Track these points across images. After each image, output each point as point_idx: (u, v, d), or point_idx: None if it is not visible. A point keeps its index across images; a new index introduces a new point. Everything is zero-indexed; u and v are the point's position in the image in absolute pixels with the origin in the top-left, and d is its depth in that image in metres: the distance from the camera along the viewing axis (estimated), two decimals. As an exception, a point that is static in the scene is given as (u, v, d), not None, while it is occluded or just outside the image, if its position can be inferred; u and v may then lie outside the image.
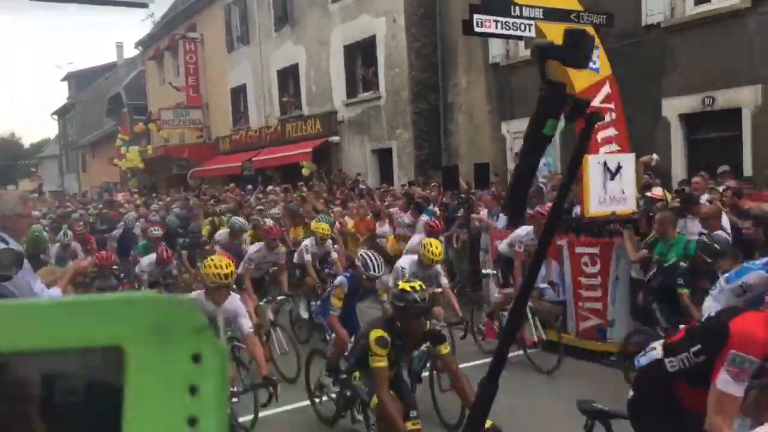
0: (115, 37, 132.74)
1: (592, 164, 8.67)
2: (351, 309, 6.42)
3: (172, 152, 29.66)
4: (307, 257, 9.27)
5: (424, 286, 4.68)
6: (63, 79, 50.44)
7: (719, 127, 11.63)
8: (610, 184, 8.77)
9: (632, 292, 7.98)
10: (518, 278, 8.05)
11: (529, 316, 7.70)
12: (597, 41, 8.91)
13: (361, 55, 20.24)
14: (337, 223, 13.06)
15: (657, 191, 9.00)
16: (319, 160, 20.84)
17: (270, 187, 19.74)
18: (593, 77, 8.94)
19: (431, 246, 6.90)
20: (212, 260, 5.76)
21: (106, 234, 14.29)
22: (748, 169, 10.77)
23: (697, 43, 11.64)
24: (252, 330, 5.60)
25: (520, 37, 9.03)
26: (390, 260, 12.27)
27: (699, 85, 11.59)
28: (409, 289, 4.52)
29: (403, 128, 18.32)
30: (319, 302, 7.43)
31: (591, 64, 8.90)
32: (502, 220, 10.61)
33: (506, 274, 8.54)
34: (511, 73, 15.42)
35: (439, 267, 7.21)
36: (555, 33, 8.67)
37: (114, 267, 9.09)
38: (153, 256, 9.24)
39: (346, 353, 5.62)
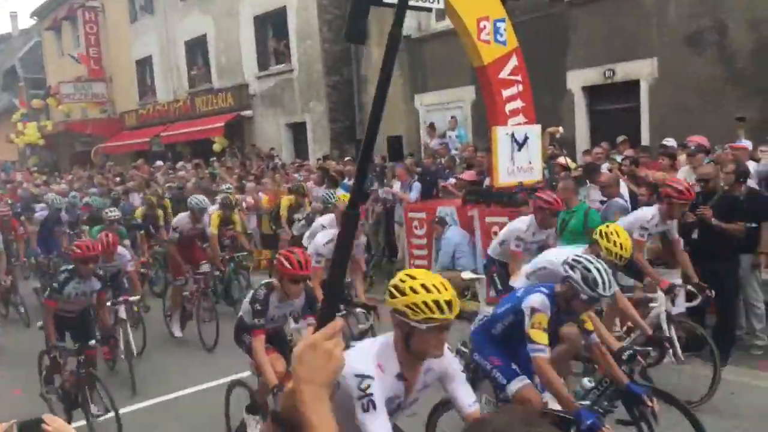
0: (8, 7, 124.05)
1: (501, 135, 8.87)
2: None
3: (73, 128, 28.18)
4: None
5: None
6: (-50, 51, 46.79)
7: (619, 98, 12.13)
8: (518, 155, 9.01)
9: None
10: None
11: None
12: (504, 14, 9.06)
13: (272, 26, 19.78)
14: (250, 199, 12.87)
15: (561, 161, 9.32)
16: (232, 134, 20.37)
17: (180, 164, 19.14)
18: (501, 50, 9.10)
19: None
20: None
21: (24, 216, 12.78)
22: (645, 139, 11.31)
23: (599, 17, 12.04)
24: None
25: (428, 9, 9.05)
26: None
27: (600, 58, 12.03)
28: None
29: (317, 101, 18.13)
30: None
31: (498, 37, 9.06)
32: (415, 192, 10.72)
33: (503, 280, 6.45)
34: (423, 45, 15.49)
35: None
36: (463, 4, 8.75)
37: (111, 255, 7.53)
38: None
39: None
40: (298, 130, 19.21)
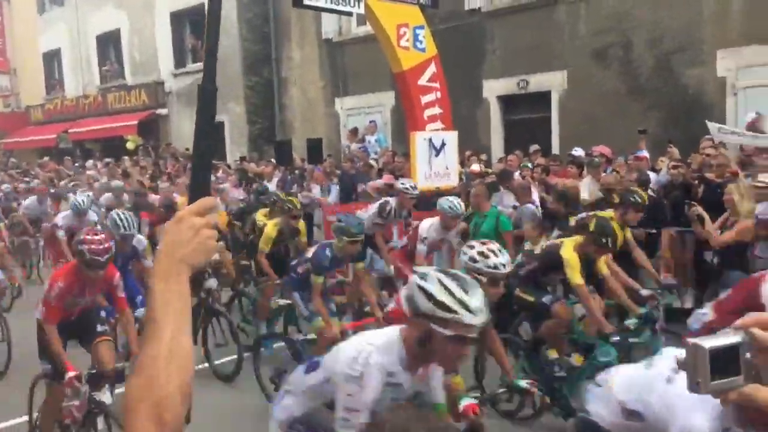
0: None
1: (419, 141, 9.03)
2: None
3: (-27, 122, 26.53)
4: None
5: None
6: None
7: (532, 108, 12.59)
8: (435, 160, 9.20)
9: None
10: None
11: None
12: (423, 21, 9.24)
13: (189, 23, 19.31)
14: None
15: (475, 167, 9.57)
16: (146, 133, 19.74)
17: (90, 162, 18.38)
18: (420, 56, 9.27)
19: None
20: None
21: None
22: (556, 148, 11.78)
23: (513, 29, 12.47)
24: None
25: (349, 13, 9.11)
26: (222, 236, 12.00)
27: (515, 69, 12.45)
28: None
29: (235, 102, 17.83)
30: None
31: (417, 44, 9.23)
32: (333, 195, 10.74)
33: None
34: (343, 49, 15.55)
35: None
36: (383, 10, 8.87)
37: None
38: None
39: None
40: (215, 130, 18.81)
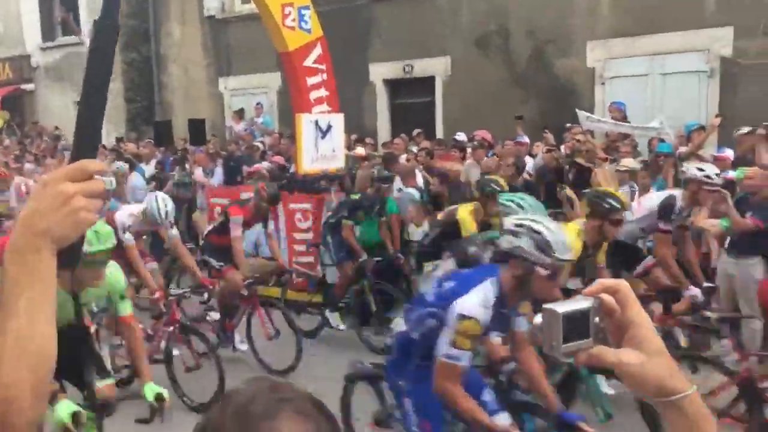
0: None
1: (305, 123, 8.96)
2: None
3: None
4: None
5: None
6: None
7: (417, 93, 12.82)
8: (322, 143, 9.17)
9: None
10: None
11: None
12: (308, 1, 9.14)
13: (59, -6, 18.05)
14: (31, 182, 11.66)
15: (360, 151, 9.65)
16: (10, 109, 18.30)
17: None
18: (305, 37, 9.17)
19: None
20: None
21: None
22: (440, 132, 12.09)
23: (399, 14, 12.61)
24: None
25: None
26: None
27: (400, 54, 12.61)
28: None
29: (112, 78, 16.87)
30: None
31: (303, 24, 9.12)
32: (217, 177, 10.47)
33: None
34: (227, 27, 15.10)
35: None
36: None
37: None
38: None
39: None
40: (89, 109, 17.74)
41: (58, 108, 18.08)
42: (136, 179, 10.36)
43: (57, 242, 0.96)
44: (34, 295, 0.93)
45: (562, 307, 0.88)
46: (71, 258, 1.01)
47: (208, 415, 0.89)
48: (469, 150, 9.17)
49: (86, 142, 1.06)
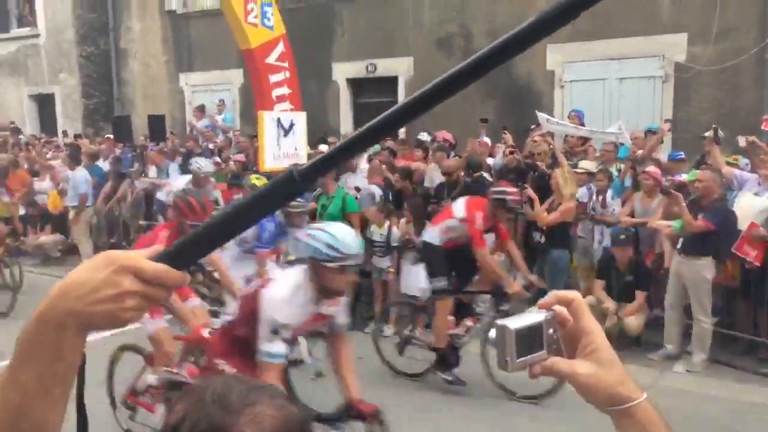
0: None
1: (267, 120, 8.92)
2: None
3: None
4: None
5: None
6: None
7: (380, 92, 12.83)
8: (284, 141, 9.14)
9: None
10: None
11: None
12: (272, -1, 9.11)
13: (12, -17, 17.55)
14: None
15: (323, 148, 9.63)
16: (-39, 103, 17.74)
17: None
18: (268, 34, 9.13)
19: None
20: None
21: None
22: (403, 132, 12.12)
23: (361, 14, 12.62)
24: None
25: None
26: (51, 218, 11.14)
27: (363, 53, 12.62)
28: None
29: (68, 73, 16.51)
30: None
31: (266, 21, 9.08)
32: (174, 175, 10.28)
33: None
34: (189, 22, 14.90)
35: None
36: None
37: None
38: None
39: None
40: (44, 103, 17.31)
41: (12, 102, 17.59)
42: (80, 175, 10.11)
43: (86, 327, 0.84)
44: (44, 370, 0.81)
45: (515, 323, 0.89)
46: None
47: (182, 405, 0.89)
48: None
49: (194, 250, 0.89)
